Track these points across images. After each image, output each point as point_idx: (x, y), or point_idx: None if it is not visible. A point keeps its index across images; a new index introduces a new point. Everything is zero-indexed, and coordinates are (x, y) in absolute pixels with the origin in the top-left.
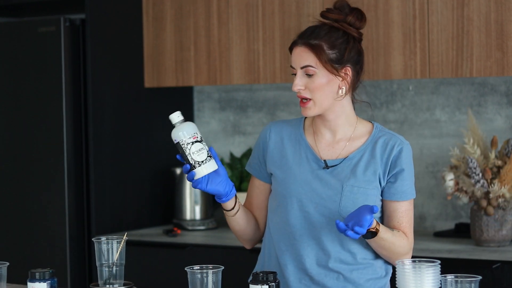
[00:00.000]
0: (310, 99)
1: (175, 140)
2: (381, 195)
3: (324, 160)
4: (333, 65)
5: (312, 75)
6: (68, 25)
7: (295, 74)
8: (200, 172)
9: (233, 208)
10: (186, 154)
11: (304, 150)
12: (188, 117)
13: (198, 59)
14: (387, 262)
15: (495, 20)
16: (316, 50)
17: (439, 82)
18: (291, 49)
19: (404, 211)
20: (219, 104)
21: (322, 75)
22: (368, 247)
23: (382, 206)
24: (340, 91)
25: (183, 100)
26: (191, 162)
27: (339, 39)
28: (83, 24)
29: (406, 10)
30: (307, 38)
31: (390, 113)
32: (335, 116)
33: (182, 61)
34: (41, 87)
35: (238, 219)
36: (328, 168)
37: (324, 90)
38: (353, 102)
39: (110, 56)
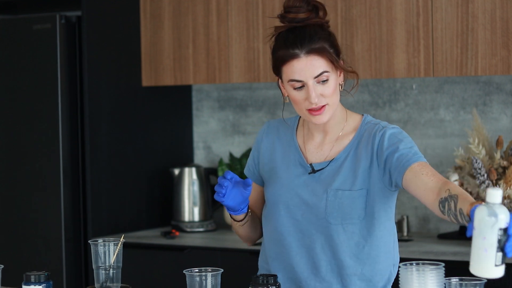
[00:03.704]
0: (325, 105)
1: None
2: (392, 184)
3: (311, 164)
4: (338, 63)
5: (326, 80)
6: (64, 22)
7: (300, 87)
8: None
9: (242, 220)
10: (496, 240)
11: (293, 153)
12: (187, 116)
13: (197, 57)
14: (387, 273)
15: (501, 17)
16: (325, 53)
17: (443, 80)
18: (284, 63)
19: (421, 168)
20: (218, 103)
21: (333, 78)
22: (361, 255)
23: (409, 186)
24: (340, 87)
25: (181, 99)
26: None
27: (328, 35)
28: (79, 21)
29: (409, 7)
30: (308, 44)
31: (393, 112)
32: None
33: (180, 59)
34: (36, 86)
35: (246, 228)
36: (314, 173)
37: (336, 90)
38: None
39: (107, 54)
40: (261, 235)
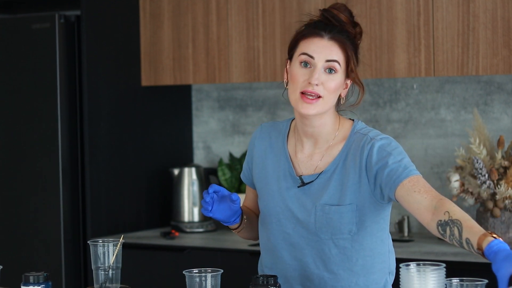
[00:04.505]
0: (320, 97)
1: None
2: (385, 198)
3: (300, 177)
4: (353, 71)
5: (333, 73)
6: (63, 21)
7: (307, 66)
8: None
9: (237, 228)
10: None
11: (284, 163)
12: (186, 116)
13: (197, 56)
14: (383, 283)
15: (502, 16)
16: (347, 50)
17: (444, 80)
18: (304, 38)
19: (412, 184)
20: (218, 103)
21: (340, 77)
22: (355, 268)
23: (403, 203)
24: (341, 100)
25: (181, 99)
26: None
27: (356, 48)
28: (78, 20)
29: (410, 6)
30: (335, 33)
31: (394, 112)
32: (321, 123)
33: (180, 59)
34: (35, 86)
35: (243, 232)
36: (304, 185)
37: (337, 91)
38: (338, 105)
39: (106, 53)
40: None
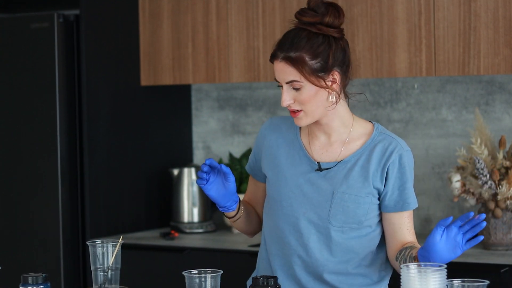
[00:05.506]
0: (301, 110)
1: None
2: (380, 207)
3: (318, 162)
4: (319, 75)
5: (299, 88)
6: (62, 21)
7: (281, 86)
8: None
9: (233, 217)
10: None
11: (298, 151)
12: (186, 116)
13: (196, 56)
14: (382, 269)
15: (503, 16)
16: (298, 64)
17: (445, 80)
18: (271, 60)
19: (409, 221)
20: (217, 103)
21: (309, 87)
22: (358, 258)
23: (381, 219)
24: (330, 97)
25: (180, 98)
26: None
27: (321, 46)
28: (78, 20)
29: (411, 6)
30: (286, 50)
31: (395, 112)
32: (328, 120)
33: (179, 59)
34: (33, 86)
35: (239, 223)
36: (321, 171)
37: (314, 100)
38: (347, 97)
39: (105, 53)
40: (258, 229)
